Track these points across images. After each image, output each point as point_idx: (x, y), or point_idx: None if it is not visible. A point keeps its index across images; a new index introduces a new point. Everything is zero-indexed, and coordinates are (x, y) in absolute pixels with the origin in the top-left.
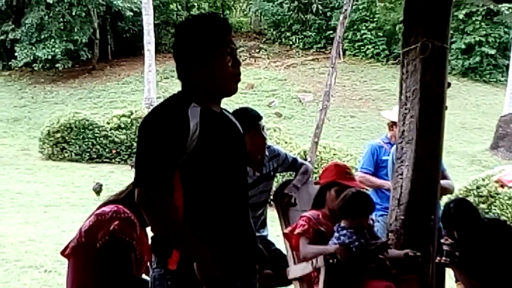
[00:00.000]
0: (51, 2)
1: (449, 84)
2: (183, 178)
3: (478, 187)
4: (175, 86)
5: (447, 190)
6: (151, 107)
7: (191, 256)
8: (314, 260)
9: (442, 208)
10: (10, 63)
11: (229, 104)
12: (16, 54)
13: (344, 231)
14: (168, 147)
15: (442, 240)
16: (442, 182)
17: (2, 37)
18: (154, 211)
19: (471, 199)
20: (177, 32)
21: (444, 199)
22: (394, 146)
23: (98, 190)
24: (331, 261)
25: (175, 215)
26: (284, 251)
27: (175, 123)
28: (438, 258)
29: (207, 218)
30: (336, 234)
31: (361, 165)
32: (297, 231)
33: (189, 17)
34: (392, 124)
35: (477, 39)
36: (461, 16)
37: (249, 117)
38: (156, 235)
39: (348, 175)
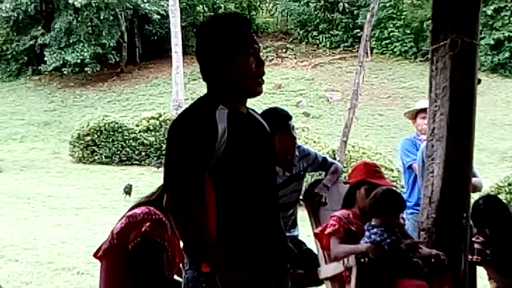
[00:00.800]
0: (79, 6)
1: (479, 81)
2: (214, 181)
3: (510, 184)
4: (203, 88)
5: (476, 188)
6: (179, 109)
7: (211, 266)
8: (345, 260)
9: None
10: (39, 67)
11: (256, 104)
12: (45, 58)
13: (375, 229)
14: (196, 152)
15: (473, 239)
16: (473, 179)
17: (32, 42)
18: (181, 217)
19: (502, 196)
20: (198, 33)
21: (473, 197)
22: (423, 144)
23: (128, 191)
24: (362, 260)
25: (201, 223)
26: (315, 251)
27: (203, 127)
28: (469, 256)
29: (239, 220)
30: (367, 233)
31: (410, 159)
32: (327, 230)
33: (210, 17)
34: (416, 114)
35: (506, 34)
36: (489, 12)
37: (279, 117)
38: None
39: (378, 174)
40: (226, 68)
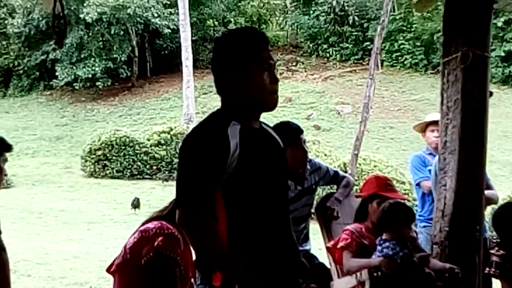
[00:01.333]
0: (90, 21)
1: (491, 93)
2: (225, 196)
3: None
4: (214, 102)
5: (492, 200)
6: (190, 123)
7: (231, 278)
8: (358, 274)
9: (489, 216)
10: (51, 82)
11: (267, 118)
12: (57, 73)
13: (387, 243)
14: (208, 168)
15: (492, 251)
16: (486, 192)
17: (43, 57)
18: (195, 232)
19: None
20: (215, 46)
21: (489, 210)
22: (436, 157)
23: (136, 204)
24: (375, 274)
25: (215, 236)
26: (328, 265)
27: (215, 143)
28: (487, 269)
29: (250, 234)
30: (378, 248)
31: (418, 177)
32: (340, 244)
33: (227, 31)
34: (425, 127)
35: None
36: (500, 24)
37: (291, 131)
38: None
39: (389, 187)
40: (240, 81)
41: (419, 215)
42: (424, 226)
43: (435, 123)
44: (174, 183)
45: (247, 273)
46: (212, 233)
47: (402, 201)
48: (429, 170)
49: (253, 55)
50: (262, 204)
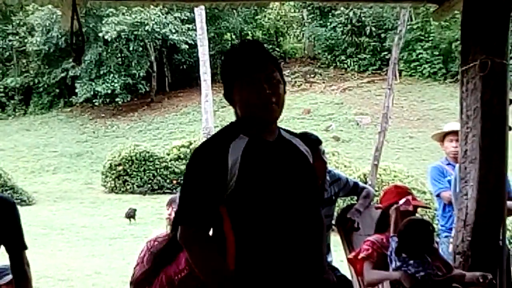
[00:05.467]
0: (109, 39)
1: (511, 101)
2: (230, 213)
3: None
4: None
5: None
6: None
7: None
8: (380, 286)
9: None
10: (71, 99)
11: None
12: (76, 90)
13: (411, 261)
14: (206, 187)
15: None
16: (509, 203)
17: (63, 75)
18: (193, 249)
19: None
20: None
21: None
22: (457, 166)
23: (132, 214)
24: (397, 286)
25: (214, 254)
26: (349, 277)
27: (212, 162)
28: None
29: (258, 251)
30: (398, 263)
31: (437, 188)
32: (361, 255)
33: (232, 45)
34: (444, 137)
35: None
36: None
37: (309, 142)
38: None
39: (409, 196)
40: (232, 97)
41: (441, 225)
42: (446, 236)
43: (453, 133)
44: None
45: None
46: (211, 252)
47: (419, 217)
48: (448, 181)
49: (236, 69)
50: (270, 220)
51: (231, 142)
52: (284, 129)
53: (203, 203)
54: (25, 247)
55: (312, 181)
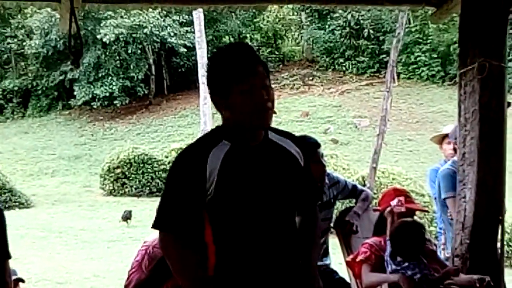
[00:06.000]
0: (107, 42)
1: (509, 104)
2: (210, 218)
3: None
4: None
5: None
6: None
7: None
8: None
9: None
10: (69, 102)
11: None
12: (75, 93)
13: (407, 263)
14: (183, 194)
15: None
16: None
17: (61, 77)
18: (171, 255)
19: None
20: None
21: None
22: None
23: (128, 216)
24: None
25: (190, 260)
26: (348, 280)
27: (190, 169)
28: None
29: (236, 258)
30: (393, 266)
31: (434, 191)
32: (359, 258)
33: (216, 49)
34: (442, 139)
35: None
36: None
37: (308, 145)
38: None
39: (408, 199)
40: (224, 102)
41: (440, 228)
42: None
43: None
44: None
45: None
46: (187, 257)
47: (410, 219)
48: None
49: (234, 73)
50: (247, 228)
51: (212, 149)
52: (275, 130)
53: (181, 210)
54: (9, 256)
55: (298, 183)
